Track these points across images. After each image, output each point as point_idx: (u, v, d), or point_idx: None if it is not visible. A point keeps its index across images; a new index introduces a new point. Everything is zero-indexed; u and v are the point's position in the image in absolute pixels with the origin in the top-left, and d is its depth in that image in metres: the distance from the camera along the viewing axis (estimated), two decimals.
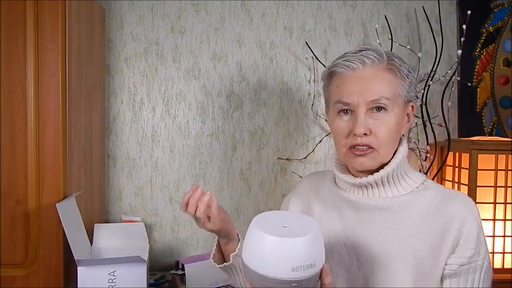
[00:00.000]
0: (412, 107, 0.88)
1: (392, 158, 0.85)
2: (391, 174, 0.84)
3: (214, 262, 0.93)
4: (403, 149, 0.86)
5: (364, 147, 0.81)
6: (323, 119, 1.63)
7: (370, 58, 0.81)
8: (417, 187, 0.85)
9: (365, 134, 0.80)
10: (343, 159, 0.87)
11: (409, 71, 0.84)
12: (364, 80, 0.81)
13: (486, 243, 0.82)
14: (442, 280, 0.80)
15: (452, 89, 1.61)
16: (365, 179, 0.84)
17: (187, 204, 0.83)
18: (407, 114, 0.87)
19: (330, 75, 0.86)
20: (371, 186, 0.85)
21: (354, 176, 0.87)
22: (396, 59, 0.83)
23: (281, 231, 0.68)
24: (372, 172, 0.84)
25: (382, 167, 0.84)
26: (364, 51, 0.83)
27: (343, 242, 0.86)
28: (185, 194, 0.84)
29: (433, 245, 0.80)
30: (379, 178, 0.83)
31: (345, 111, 0.83)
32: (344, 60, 0.83)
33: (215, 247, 0.94)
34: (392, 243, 0.82)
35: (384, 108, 0.81)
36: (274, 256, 0.66)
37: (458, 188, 1.48)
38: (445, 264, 0.79)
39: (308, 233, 0.67)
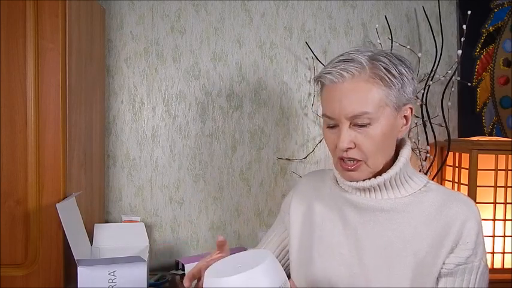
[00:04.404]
0: (411, 108, 0.84)
1: (396, 161, 0.84)
2: (394, 177, 0.83)
3: None
4: (406, 152, 0.85)
5: (351, 160, 0.81)
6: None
7: (349, 71, 0.78)
8: (420, 189, 0.85)
9: (350, 148, 0.80)
10: (335, 168, 0.87)
11: (400, 72, 0.79)
12: (344, 94, 0.79)
13: (484, 245, 0.82)
14: (438, 279, 0.80)
15: (452, 89, 1.61)
16: (368, 182, 0.83)
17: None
18: (405, 116, 0.84)
19: (320, 84, 0.85)
20: (373, 189, 0.84)
21: None
22: (381, 65, 0.78)
23: (238, 270, 0.66)
24: (375, 174, 0.84)
25: (385, 169, 0.84)
26: (344, 63, 0.79)
27: (346, 242, 0.86)
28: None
29: (433, 245, 0.80)
30: (382, 182, 0.83)
31: (331, 124, 0.83)
32: (325, 73, 0.80)
33: None
34: (393, 244, 0.82)
35: (367, 123, 0.79)
36: None
37: (458, 188, 1.48)
38: (443, 264, 0.79)
39: (264, 259, 0.67)
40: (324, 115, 0.84)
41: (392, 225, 0.83)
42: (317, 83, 0.86)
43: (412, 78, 0.82)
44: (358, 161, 0.81)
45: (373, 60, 0.79)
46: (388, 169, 0.84)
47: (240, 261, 0.70)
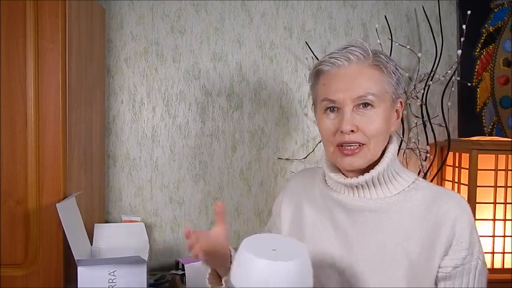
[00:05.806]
0: (401, 103, 0.87)
1: (383, 157, 0.84)
2: (382, 173, 0.83)
3: (210, 284, 0.87)
4: (393, 147, 0.85)
5: (353, 145, 0.80)
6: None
7: (355, 54, 0.81)
8: (408, 186, 0.84)
9: (352, 131, 0.79)
10: (331, 158, 0.85)
11: (396, 68, 0.83)
12: (350, 76, 0.80)
13: (480, 242, 0.81)
14: (436, 283, 0.79)
15: (452, 89, 1.61)
16: (356, 180, 0.82)
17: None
18: (397, 110, 0.86)
19: (317, 74, 0.86)
20: (362, 186, 0.83)
21: (345, 175, 0.86)
22: (382, 56, 0.82)
23: (271, 254, 0.67)
24: (362, 171, 0.83)
25: (372, 166, 0.83)
26: (349, 48, 0.82)
27: (336, 244, 0.85)
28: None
29: (425, 246, 0.79)
30: (370, 178, 0.82)
31: (332, 109, 0.83)
32: (329, 58, 0.82)
33: (209, 269, 0.88)
34: (385, 246, 0.81)
35: (370, 105, 0.80)
36: (264, 280, 0.65)
37: (458, 188, 1.48)
38: (439, 267, 0.78)
39: (297, 257, 0.67)
40: (324, 99, 0.83)
41: (381, 226, 0.82)
42: (315, 73, 0.86)
43: (402, 78, 0.86)
44: (360, 144, 0.80)
45: (374, 51, 0.83)
46: (376, 166, 0.83)
47: (277, 244, 0.71)
